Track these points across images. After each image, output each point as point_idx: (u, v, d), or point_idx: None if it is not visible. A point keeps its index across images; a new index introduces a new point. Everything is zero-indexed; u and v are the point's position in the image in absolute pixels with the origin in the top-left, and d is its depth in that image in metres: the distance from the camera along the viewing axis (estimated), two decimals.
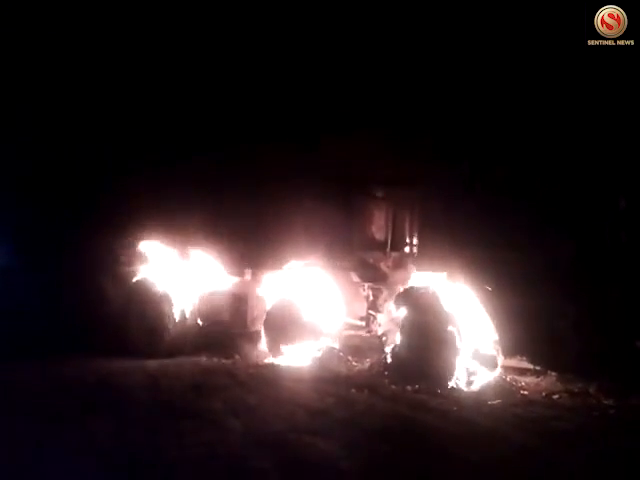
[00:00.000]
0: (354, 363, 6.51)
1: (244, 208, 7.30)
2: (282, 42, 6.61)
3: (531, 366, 5.63)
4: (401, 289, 6.32)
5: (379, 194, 6.87)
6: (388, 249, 6.96)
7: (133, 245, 8.68)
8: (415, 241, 6.71)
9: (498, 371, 5.66)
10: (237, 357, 7.33)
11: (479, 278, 5.69)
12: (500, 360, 5.65)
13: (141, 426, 4.23)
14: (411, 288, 6.22)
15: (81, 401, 5.08)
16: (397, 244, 6.95)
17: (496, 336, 5.62)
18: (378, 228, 6.99)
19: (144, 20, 7.68)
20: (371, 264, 6.97)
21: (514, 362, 5.75)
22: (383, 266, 6.93)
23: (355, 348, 6.78)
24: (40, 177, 9.56)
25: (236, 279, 7.79)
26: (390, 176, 6.62)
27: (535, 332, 5.30)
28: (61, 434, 4.09)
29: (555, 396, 5.12)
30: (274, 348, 7.10)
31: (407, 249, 6.97)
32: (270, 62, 6.71)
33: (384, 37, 6.20)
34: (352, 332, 6.99)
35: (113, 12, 7.83)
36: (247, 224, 7.36)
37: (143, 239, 8.64)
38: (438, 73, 6.08)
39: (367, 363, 6.40)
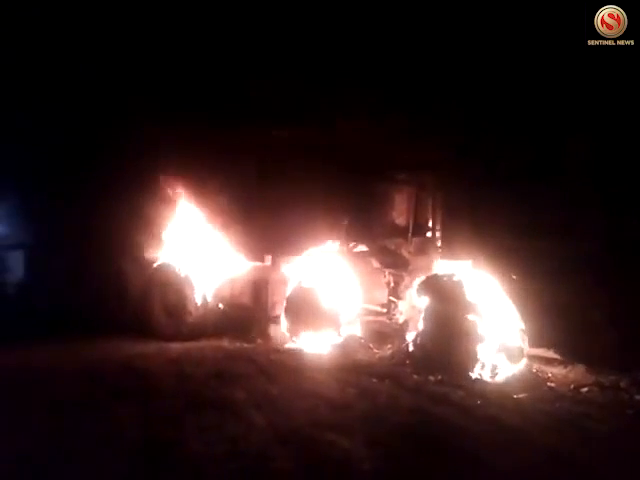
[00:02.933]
0: (375, 350, 6.47)
1: (265, 193, 7.25)
2: (301, 21, 6.42)
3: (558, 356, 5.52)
4: (423, 276, 6.22)
5: (401, 178, 6.71)
6: (410, 234, 6.83)
7: (156, 227, 8.75)
8: (438, 226, 6.57)
9: (523, 361, 5.54)
10: (258, 341, 7.38)
11: (505, 267, 5.53)
12: (526, 351, 5.53)
13: (166, 418, 4.26)
14: (434, 276, 6.11)
15: (106, 389, 5.15)
16: (419, 229, 6.82)
17: (522, 326, 5.49)
18: (399, 213, 6.86)
19: None
20: (392, 250, 6.86)
21: (540, 351, 5.64)
22: (404, 252, 6.81)
23: (376, 334, 6.73)
24: (64, 156, 9.64)
25: (256, 264, 7.79)
26: (411, 160, 6.44)
27: (564, 323, 5.16)
28: (88, 424, 4.15)
29: (584, 389, 4.98)
30: (294, 333, 7.11)
31: (429, 234, 6.86)
32: (292, 42, 6.53)
33: (405, 17, 5.98)
34: (373, 318, 6.94)
35: None
36: (268, 210, 7.32)
37: (166, 221, 8.70)
38: (458, 57, 5.88)
39: (388, 350, 6.35)
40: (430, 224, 6.78)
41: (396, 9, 6.03)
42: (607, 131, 5.37)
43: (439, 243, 6.37)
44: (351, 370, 5.73)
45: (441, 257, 6.24)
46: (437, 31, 5.91)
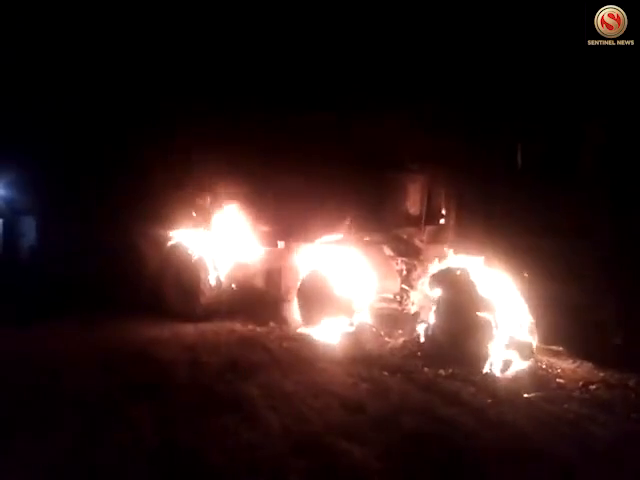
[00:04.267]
0: (387, 339, 6.57)
1: (280, 180, 7.22)
2: (322, 11, 6.25)
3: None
4: (436, 269, 6.23)
5: (414, 168, 6.61)
6: (422, 223, 6.80)
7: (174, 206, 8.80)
8: (450, 217, 6.51)
9: (534, 356, 5.61)
10: (271, 324, 7.50)
11: (517, 264, 5.51)
12: (535, 347, 5.59)
13: (183, 421, 4.40)
14: (447, 269, 6.11)
15: (122, 383, 5.26)
16: (431, 219, 6.78)
17: (532, 323, 5.52)
18: (412, 202, 6.80)
19: None
20: (405, 239, 6.84)
21: (549, 347, 5.69)
22: (417, 241, 6.80)
23: (387, 323, 6.81)
24: (86, 131, 9.66)
25: (270, 249, 7.84)
26: (425, 150, 6.32)
27: (574, 321, 5.18)
28: (104, 427, 4.28)
29: (592, 386, 5.07)
30: (306, 319, 7.21)
31: (442, 221, 6.81)
32: (310, 31, 6.40)
33: (423, 10, 5.80)
34: (385, 305, 7.00)
35: None
36: (282, 196, 7.31)
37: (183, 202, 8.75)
38: (472, 51, 5.73)
39: (400, 340, 6.44)
40: (442, 213, 6.72)
41: (417, 8, 5.86)
42: (622, 128, 5.22)
43: (451, 235, 6.31)
44: (363, 362, 5.84)
45: (454, 251, 6.20)
46: (451, 26, 5.76)
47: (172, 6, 7.93)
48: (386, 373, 5.52)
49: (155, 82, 8.26)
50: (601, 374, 5.28)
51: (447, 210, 6.52)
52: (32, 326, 7.58)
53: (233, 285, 8.34)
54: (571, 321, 5.23)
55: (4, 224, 16.10)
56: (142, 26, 8.32)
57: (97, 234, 10.28)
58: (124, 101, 8.79)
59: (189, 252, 8.43)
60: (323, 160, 6.74)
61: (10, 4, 8.52)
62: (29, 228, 14.96)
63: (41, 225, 14.07)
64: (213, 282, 8.23)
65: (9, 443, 4.03)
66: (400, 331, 6.59)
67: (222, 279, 8.28)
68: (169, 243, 8.74)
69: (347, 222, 6.91)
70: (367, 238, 6.89)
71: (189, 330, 7.56)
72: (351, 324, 6.82)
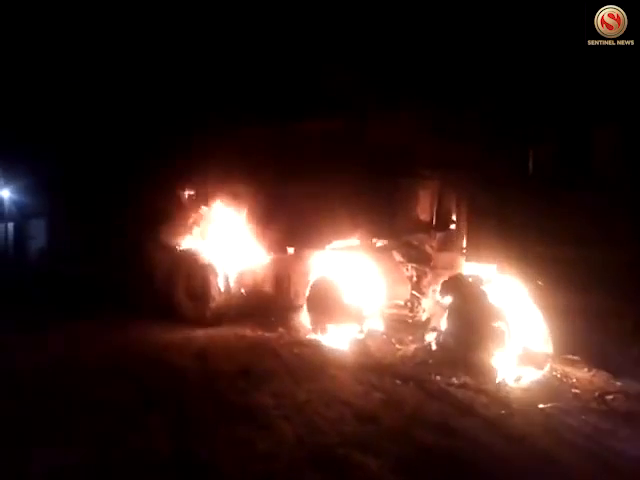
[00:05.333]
0: (397, 346, 6.53)
1: (290, 187, 7.22)
2: (337, 19, 6.27)
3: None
4: (448, 275, 6.19)
5: (425, 175, 6.57)
6: (433, 229, 6.76)
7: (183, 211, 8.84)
8: (462, 224, 6.45)
9: (548, 366, 5.56)
10: (280, 330, 7.49)
11: (531, 271, 5.46)
12: (550, 356, 5.54)
13: (197, 428, 4.41)
14: (459, 275, 6.07)
15: (137, 390, 5.31)
16: (442, 225, 6.73)
17: (547, 332, 5.47)
18: (423, 209, 6.77)
19: None
20: (415, 245, 6.80)
21: (564, 355, 5.63)
22: (427, 247, 6.75)
23: (398, 330, 6.77)
24: (98, 136, 9.74)
25: (280, 255, 7.83)
26: (436, 156, 6.28)
27: (590, 331, 5.12)
28: (121, 436, 4.29)
29: (609, 397, 5.01)
30: (316, 325, 7.19)
31: (452, 226, 6.77)
32: (325, 39, 6.41)
33: (433, 21, 5.80)
34: (395, 311, 6.97)
35: None
36: (292, 203, 7.31)
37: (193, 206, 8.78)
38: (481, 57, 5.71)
39: (411, 347, 6.40)
40: (454, 219, 6.68)
41: (427, 13, 5.83)
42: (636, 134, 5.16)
43: (464, 242, 6.26)
44: (374, 370, 5.81)
45: (466, 258, 6.16)
46: (459, 32, 5.75)
47: (176, 10, 7.93)
48: (398, 381, 5.49)
49: (168, 90, 8.30)
50: (618, 384, 5.22)
51: (458, 216, 6.47)
52: (49, 330, 7.70)
53: (242, 290, 8.35)
54: (587, 330, 5.17)
55: (14, 227, 16.23)
56: (146, 36, 8.36)
57: (106, 237, 10.38)
58: (136, 107, 8.85)
59: (199, 257, 8.44)
60: (333, 167, 6.72)
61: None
62: (39, 231, 15.10)
63: (51, 228, 14.19)
64: (223, 287, 8.23)
65: (26, 450, 4.06)
66: (411, 338, 6.57)
67: (232, 284, 8.28)
68: (179, 248, 8.78)
69: (358, 228, 6.87)
70: (378, 244, 6.85)
71: (200, 335, 7.58)
72: (361, 331, 6.80)
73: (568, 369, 5.57)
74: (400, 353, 6.33)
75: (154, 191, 8.88)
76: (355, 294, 6.98)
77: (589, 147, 5.38)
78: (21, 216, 15.52)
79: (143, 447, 4.12)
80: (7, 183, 13.93)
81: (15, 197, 14.38)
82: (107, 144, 9.76)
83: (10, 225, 15.36)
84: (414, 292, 6.78)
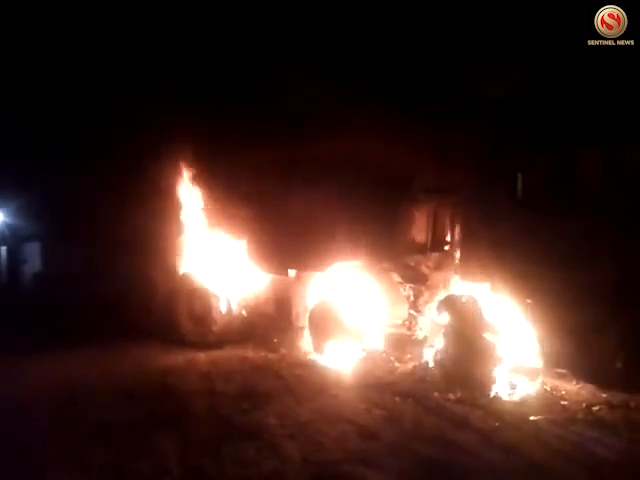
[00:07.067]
0: (396, 364, 6.77)
1: (290, 209, 7.47)
2: (330, 35, 6.54)
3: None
4: (443, 294, 6.47)
5: (422, 198, 6.89)
6: (428, 250, 7.05)
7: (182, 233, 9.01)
8: (456, 243, 6.76)
9: (539, 380, 5.81)
10: (282, 351, 7.70)
11: (522, 290, 5.75)
12: (540, 370, 5.80)
13: (205, 449, 4.60)
14: (453, 295, 6.34)
15: (144, 412, 5.46)
16: (437, 246, 7.04)
17: (538, 348, 5.74)
18: (418, 230, 7.07)
19: None
20: (412, 265, 7.08)
21: (553, 369, 5.91)
22: (424, 267, 7.04)
23: (397, 348, 7.01)
24: (92, 157, 9.82)
25: (281, 277, 8.06)
26: (432, 180, 6.61)
27: (577, 347, 5.41)
28: (132, 456, 4.47)
29: (595, 408, 5.27)
30: (317, 345, 7.41)
31: (447, 247, 7.06)
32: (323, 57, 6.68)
33: (423, 40, 6.10)
34: (394, 330, 7.21)
35: None
36: (292, 225, 7.54)
37: (193, 228, 8.96)
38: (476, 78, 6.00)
39: (409, 365, 6.64)
40: (448, 239, 6.99)
41: (416, 29, 6.10)
42: (621, 157, 5.49)
43: (457, 260, 6.56)
44: (374, 388, 6.04)
45: (460, 278, 6.44)
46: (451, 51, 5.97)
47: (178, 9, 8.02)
48: (397, 399, 5.72)
49: (168, 106, 8.35)
50: (603, 395, 5.48)
51: (452, 237, 6.77)
52: (48, 354, 7.76)
53: (244, 312, 8.54)
54: (574, 345, 5.46)
55: (7, 251, 16.12)
56: (142, 44, 8.43)
57: (104, 260, 10.48)
58: (131, 129, 8.91)
59: (200, 280, 8.64)
60: (334, 189, 7.00)
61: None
62: (33, 254, 15.04)
63: (46, 251, 14.14)
64: (224, 310, 8.42)
65: (40, 475, 4.23)
66: (409, 356, 6.81)
67: (233, 306, 8.48)
68: (180, 270, 8.96)
69: (358, 250, 7.15)
70: (380, 265, 7.13)
71: (202, 358, 7.71)
72: (362, 350, 7.03)
73: (557, 382, 5.84)
74: (399, 371, 6.58)
75: (154, 212, 9.04)
76: (355, 314, 7.22)
77: (574, 173, 5.69)
78: (14, 239, 15.38)
79: (153, 468, 4.29)
80: None
81: (8, 220, 14.33)
82: (103, 166, 9.80)
83: (3, 249, 15.26)
84: (411, 311, 7.06)
